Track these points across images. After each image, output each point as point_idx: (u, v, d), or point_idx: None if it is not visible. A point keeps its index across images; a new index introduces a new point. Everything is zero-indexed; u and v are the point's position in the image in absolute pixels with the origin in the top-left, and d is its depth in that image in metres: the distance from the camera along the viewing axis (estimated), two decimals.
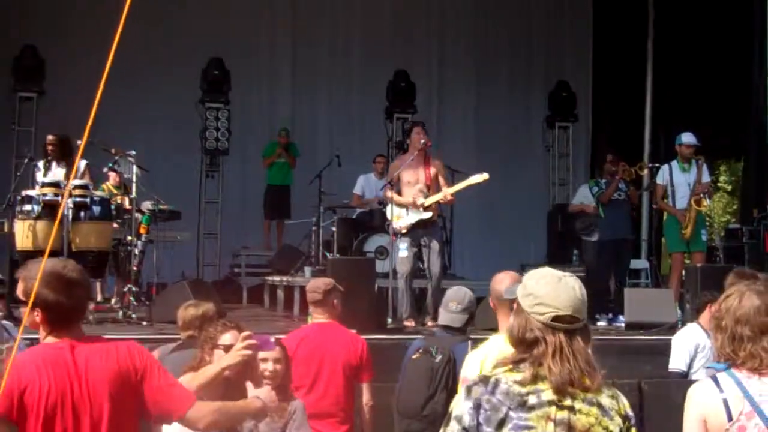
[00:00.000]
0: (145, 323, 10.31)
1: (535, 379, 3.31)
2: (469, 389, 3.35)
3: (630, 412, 3.45)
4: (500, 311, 5.36)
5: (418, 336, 8.02)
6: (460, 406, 3.34)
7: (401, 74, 17.67)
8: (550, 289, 3.40)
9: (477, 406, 3.29)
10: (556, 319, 3.35)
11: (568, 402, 3.30)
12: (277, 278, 13.79)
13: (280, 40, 18.39)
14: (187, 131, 16.67)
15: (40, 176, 11.18)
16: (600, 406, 3.35)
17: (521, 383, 3.30)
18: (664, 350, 9.02)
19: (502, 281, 5.48)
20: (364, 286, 10.26)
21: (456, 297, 6.62)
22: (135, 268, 11.21)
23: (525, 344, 3.39)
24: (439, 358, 6.29)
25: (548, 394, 3.29)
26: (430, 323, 11.10)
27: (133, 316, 10.53)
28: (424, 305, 11.44)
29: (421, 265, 11.64)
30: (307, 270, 13.28)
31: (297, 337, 6.70)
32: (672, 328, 10.73)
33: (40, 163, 11.48)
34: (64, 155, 11.31)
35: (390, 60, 18.22)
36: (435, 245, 11.35)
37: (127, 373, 3.92)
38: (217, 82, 16.54)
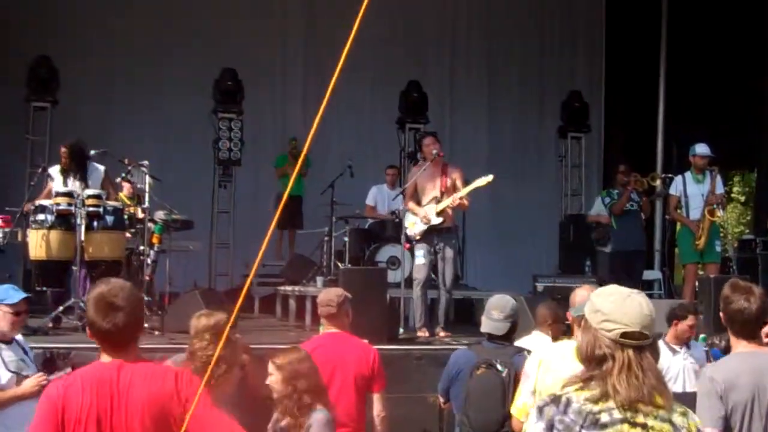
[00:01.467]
0: (157, 333, 10.29)
1: (606, 396, 3.29)
2: (540, 410, 3.35)
3: (702, 430, 3.45)
4: (574, 326, 5.40)
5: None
6: (533, 428, 3.35)
7: (413, 85, 17.68)
8: (617, 306, 3.39)
9: (550, 427, 3.30)
10: (624, 335, 3.34)
11: (640, 419, 3.28)
12: (289, 288, 13.78)
13: (292, 49, 18.40)
14: (200, 141, 16.69)
15: (55, 186, 11.14)
16: (672, 423, 3.33)
17: (593, 401, 3.29)
18: None
19: (578, 295, 5.51)
20: (376, 296, 10.27)
21: (498, 305, 6.60)
22: (147, 278, 11.20)
23: (594, 361, 3.39)
24: (505, 372, 6.25)
25: (620, 412, 3.28)
26: (441, 333, 11.10)
27: (146, 325, 10.49)
28: (435, 315, 11.42)
29: (433, 276, 11.63)
30: (319, 280, 13.26)
31: (309, 348, 6.67)
32: None
33: (53, 172, 11.44)
34: (79, 166, 11.28)
35: (402, 70, 18.24)
36: (449, 253, 11.32)
37: (170, 399, 3.91)
38: (230, 93, 16.54)
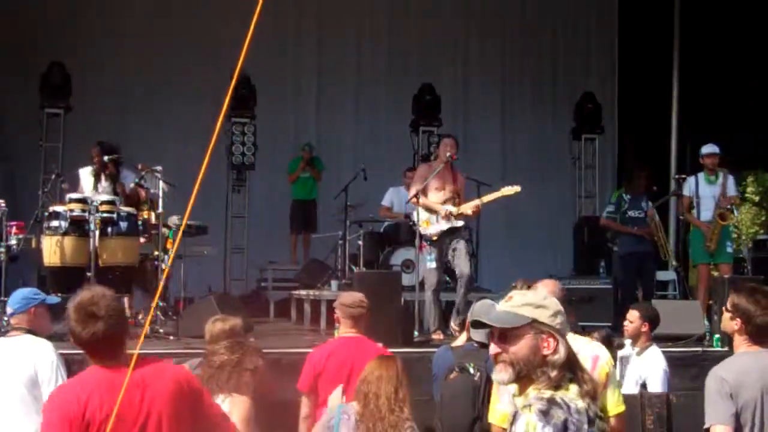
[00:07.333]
0: (171, 338, 10.30)
1: (586, 393, 3.32)
2: (545, 413, 3.22)
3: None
4: None
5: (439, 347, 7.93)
6: None
7: (427, 87, 17.70)
8: (555, 300, 3.45)
9: (565, 429, 3.23)
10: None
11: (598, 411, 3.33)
12: (303, 292, 13.74)
13: (305, 54, 18.41)
14: (214, 147, 16.67)
15: (86, 187, 11.24)
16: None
17: (581, 398, 3.29)
18: (692, 362, 8.99)
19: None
20: (391, 300, 10.24)
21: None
22: (162, 283, 11.20)
23: (570, 361, 3.38)
24: (477, 375, 6.22)
25: (593, 405, 3.31)
26: (454, 326, 11.02)
27: (161, 330, 10.52)
28: (450, 317, 11.34)
29: (447, 278, 11.56)
30: (334, 284, 13.24)
31: (325, 351, 6.68)
32: (700, 340, 10.69)
33: (84, 174, 11.50)
34: (113, 164, 11.40)
35: (415, 73, 18.28)
36: (460, 245, 11.14)
37: (182, 392, 4.04)
38: (243, 98, 16.56)
